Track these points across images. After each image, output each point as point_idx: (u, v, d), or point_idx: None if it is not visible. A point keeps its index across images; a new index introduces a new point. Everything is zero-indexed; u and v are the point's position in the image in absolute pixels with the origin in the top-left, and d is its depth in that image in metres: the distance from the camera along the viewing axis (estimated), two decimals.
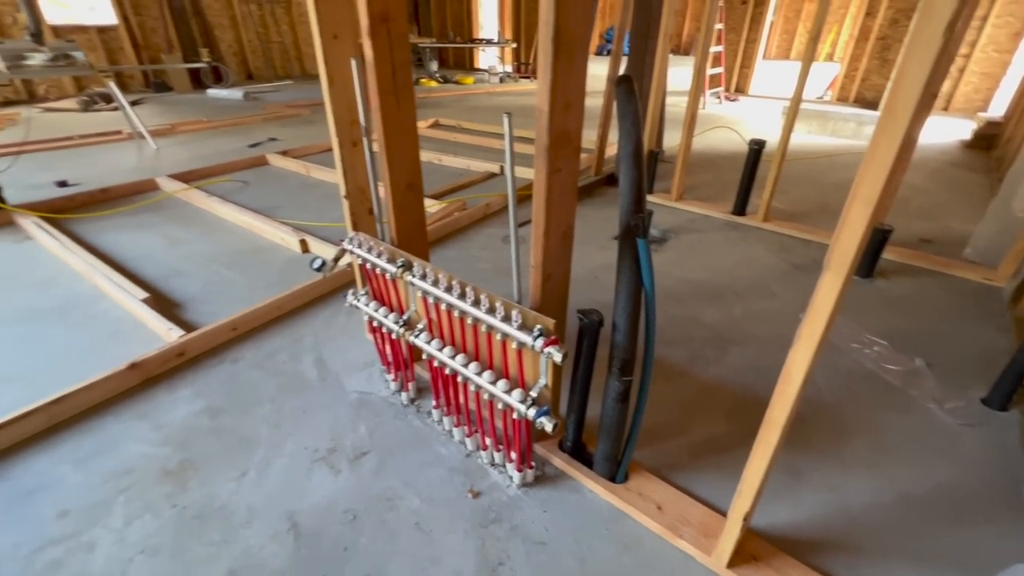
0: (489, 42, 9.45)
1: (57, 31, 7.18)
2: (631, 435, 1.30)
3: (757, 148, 3.02)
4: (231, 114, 6.46)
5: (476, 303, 1.22)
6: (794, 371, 0.86)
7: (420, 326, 1.47)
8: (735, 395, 1.74)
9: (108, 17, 7.79)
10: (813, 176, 4.24)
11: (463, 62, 12.53)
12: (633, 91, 1.06)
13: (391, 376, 1.72)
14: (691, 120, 3.25)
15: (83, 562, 1.19)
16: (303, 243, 2.71)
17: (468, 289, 1.24)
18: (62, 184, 3.70)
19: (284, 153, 4.48)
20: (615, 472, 1.36)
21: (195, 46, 8.53)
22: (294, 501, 1.34)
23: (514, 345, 1.16)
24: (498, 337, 1.21)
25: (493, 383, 1.25)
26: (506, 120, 0.99)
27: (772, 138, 3.52)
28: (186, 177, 3.83)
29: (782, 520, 1.30)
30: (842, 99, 7.68)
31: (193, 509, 1.32)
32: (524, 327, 1.14)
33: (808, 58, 2.64)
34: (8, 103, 6.67)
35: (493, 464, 1.46)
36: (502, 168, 4.11)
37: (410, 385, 1.67)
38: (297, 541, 1.24)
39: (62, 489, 1.37)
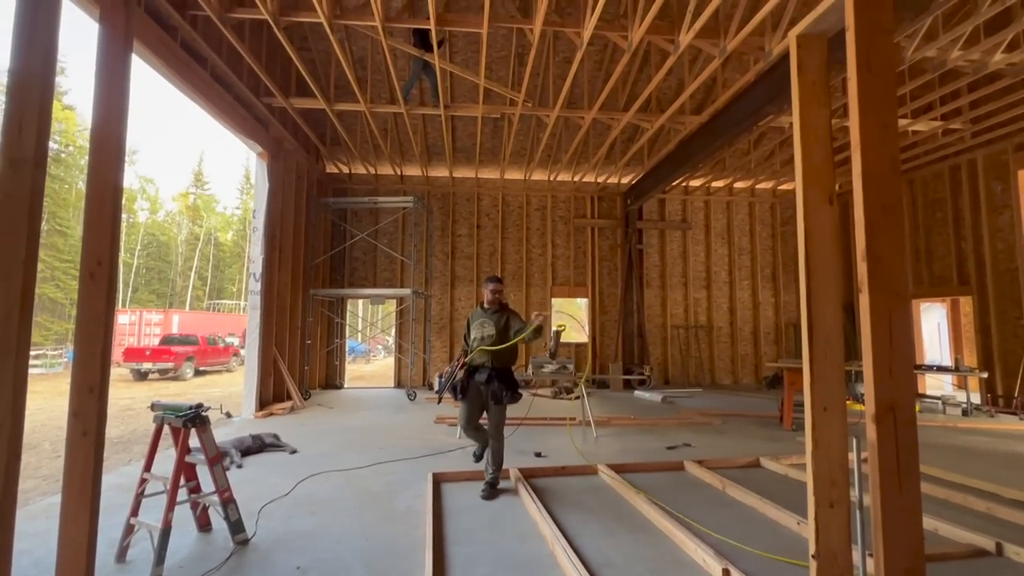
0: (942, 368, 8.03)
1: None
2: None
3: None
4: (651, 414, 7.57)
5: None
6: None
7: None
8: None
9: (584, 338, 11.28)
10: None
11: None
12: None
13: None
14: None
15: None
16: (725, 572, 2.61)
17: None
18: (538, 455, 5.05)
19: (700, 462, 4.76)
20: None
21: (632, 359, 10.98)
22: None
23: None
24: None
25: None
26: None
27: None
28: (618, 468, 4.54)
29: None
30: None
31: None
32: None
33: None
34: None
35: None
36: (999, 546, 3.00)
37: None
38: None
39: None
